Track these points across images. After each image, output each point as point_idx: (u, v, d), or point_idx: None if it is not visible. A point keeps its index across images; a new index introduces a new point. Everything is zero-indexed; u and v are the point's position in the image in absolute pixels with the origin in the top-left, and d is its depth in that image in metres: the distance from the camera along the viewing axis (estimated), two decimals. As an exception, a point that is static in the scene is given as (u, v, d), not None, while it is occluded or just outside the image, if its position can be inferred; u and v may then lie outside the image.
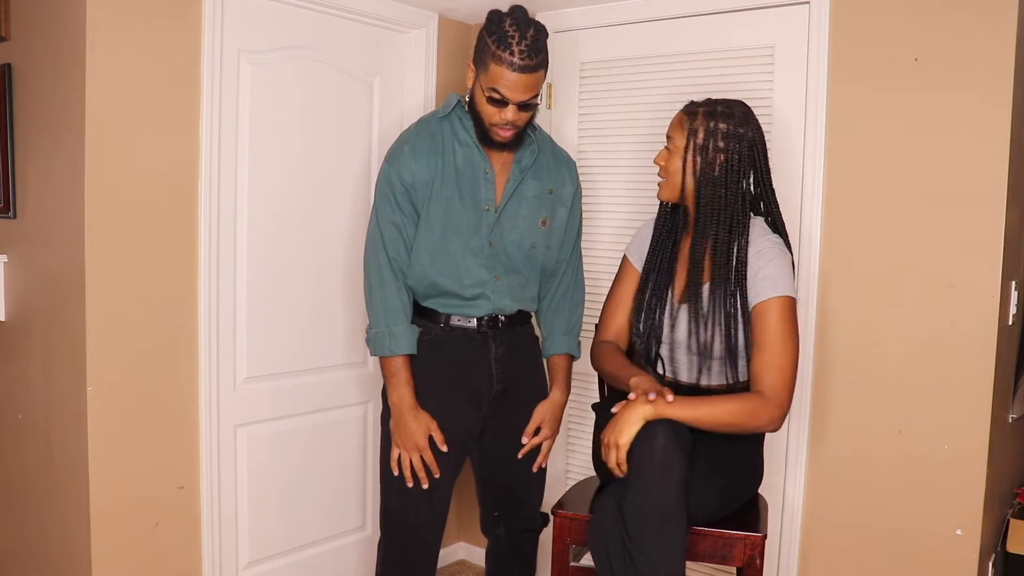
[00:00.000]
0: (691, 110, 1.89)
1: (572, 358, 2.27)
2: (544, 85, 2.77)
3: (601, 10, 2.65)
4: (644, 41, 2.59)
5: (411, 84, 2.80)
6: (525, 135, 2.07)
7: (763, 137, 1.89)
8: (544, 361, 2.27)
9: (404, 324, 2.07)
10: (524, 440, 2.17)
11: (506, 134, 1.99)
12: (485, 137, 2.02)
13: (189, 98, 2.21)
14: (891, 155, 2.15)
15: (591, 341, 2.18)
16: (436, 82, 2.81)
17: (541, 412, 2.19)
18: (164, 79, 2.15)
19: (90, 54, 2.01)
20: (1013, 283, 2.15)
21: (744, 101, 1.93)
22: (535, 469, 2.21)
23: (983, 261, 2.03)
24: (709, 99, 1.91)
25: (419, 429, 2.04)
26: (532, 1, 2.74)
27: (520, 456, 2.18)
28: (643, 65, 2.60)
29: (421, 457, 2.05)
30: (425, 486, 2.06)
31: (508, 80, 1.90)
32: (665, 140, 1.93)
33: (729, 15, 2.42)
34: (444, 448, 2.06)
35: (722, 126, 1.84)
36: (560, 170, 2.18)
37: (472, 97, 2.01)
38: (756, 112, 2.34)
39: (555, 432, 2.22)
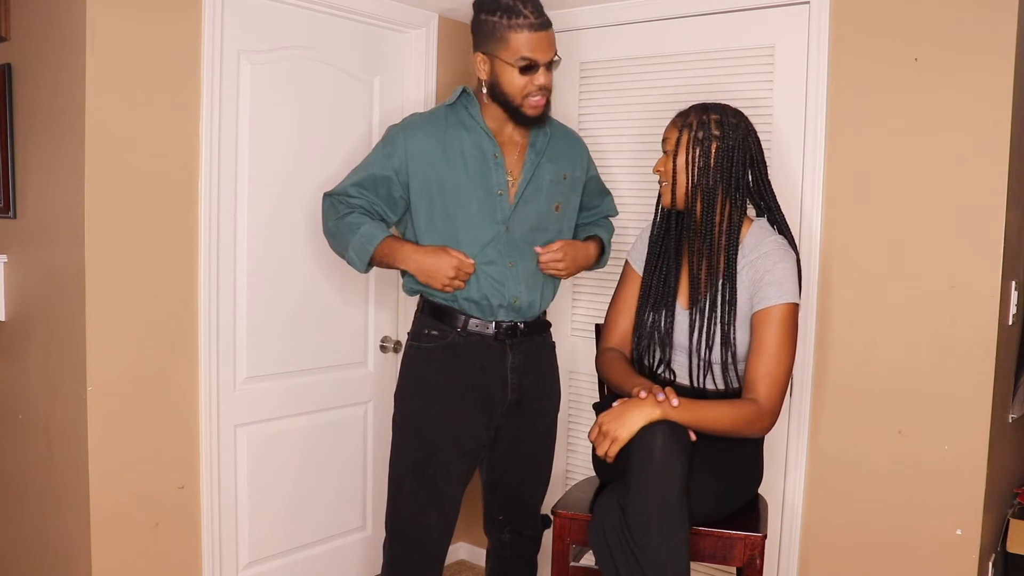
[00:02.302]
0: (682, 112, 1.91)
1: (603, 245, 2.24)
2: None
3: (601, 10, 2.65)
4: (644, 41, 2.59)
5: (411, 84, 2.79)
6: (550, 107, 2.07)
7: (755, 132, 1.90)
8: (556, 370, 2.26)
9: (367, 222, 2.05)
10: (537, 249, 2.07)
11: (539, 101, 2.00)
12: (519, 116, 2.01)
13: (189, 98, 2.21)
14: (891, 155, 2.15)
15: (594, 345, 2.17)
16: (436, 82, 2.81)
17: (562, 242, 2.10)
18: (164, 79, 2.15)
19: (90, 54, 2.01)
20: (1013, 283, 2.15)
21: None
22: (542, 263, 2.08)
23: (983, 261, 2.03)
24: (698, 103, 1.92)
25: (442, 253, 1.99)
26: (532, 1, 2.74)
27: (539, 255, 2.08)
28: (643, 65, 2.60)
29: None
30: (471, 271, 2.01)
31: (533, 41, 1.93)
32: (662, 150, 1.94)
33: (729, 15, 2.42)
34: (471, 267, 2.01)
35: (714, 116, 1.86)
36: (574, 156, 2.18)
37: (494, 84, 1.99)
38: (755, 112, 2.36)
39: (570, 259, 2.09)
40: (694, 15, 2.48)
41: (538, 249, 2.07)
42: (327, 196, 2.17)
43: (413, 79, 2.79)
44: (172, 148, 2.19)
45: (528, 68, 1.94)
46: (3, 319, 2.39)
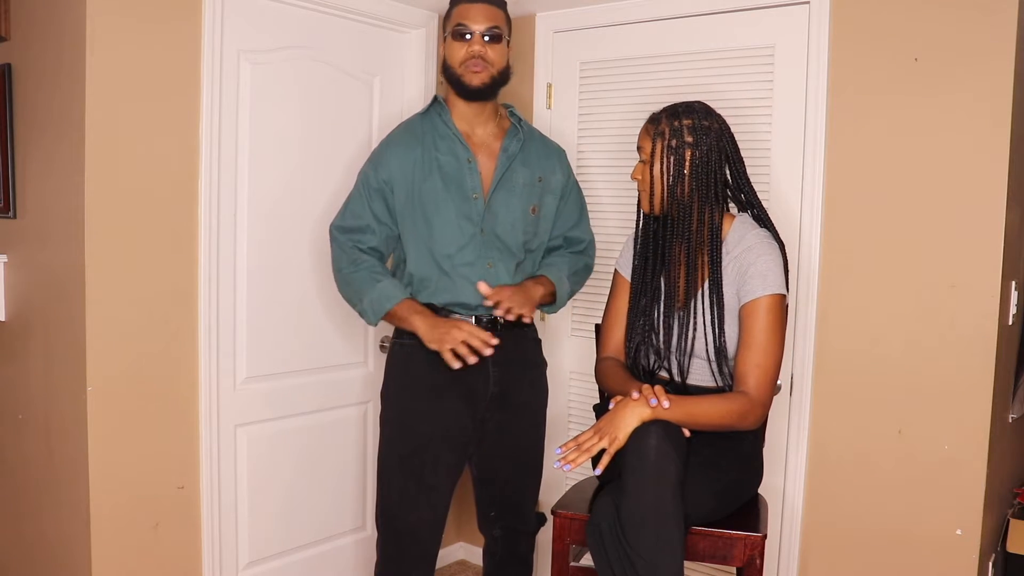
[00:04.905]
0: (654, 117, 1.91)
1: (551, 284, 2.17)
2: (544, 84, 2.80)
3: (601, 10, 2.65)
4: (644, 41, 2.59)
5: (411, 84, 2.80)
6: (498, 91, 2.11)
7: (729, 128, 1.90)
8: (544, 375, 2.27)
9: (386, 279, 2.10)
10: (482, 290, 2.04)
11: (477, 70, 2.06)
12: (462, 88, 2.07)
13: (189, 98, 2.21)
14: (891, 155, 2.15)
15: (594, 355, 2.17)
16: (436, 82, 2.81)
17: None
18: (164, 79, 2.15)
19: (90, 54, 2.01)
20: (1013, 283, 2.15)
21: (702, 100, 1.93)
22: (488, 296, 2.04)
23: (983, 261, 2.03)
24: (668, 105, 1.92)
25: (452, 326, 1.99)
26: (533, 1, 2.74)
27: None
28: (643, 65, 2.60)
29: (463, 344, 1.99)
30: (492, 348, 1.98)
31: (469, 12, 2.05)
32: (639, 158, 1.94)
33: (729, 15, 2.42)
34: (491, 346, 1.98)
35: (686, 122, 1.85)
36: (550, 160, 2.21)
37: (445, 63, 2.10)
38: (755, 112, 2.37)
39: (516, 296, 2.05)
40: (694, 15, 2.48)
41: (485, 291, 2.04)
42: (335, 233, 2.17)
43: (413, 79, 2.79)
44: (172, 148, 2.19)
45: (461, 35, 2.05)
46: (3, 319, 2.40)
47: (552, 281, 2.18)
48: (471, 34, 2.05)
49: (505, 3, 2.14)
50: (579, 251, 2.31)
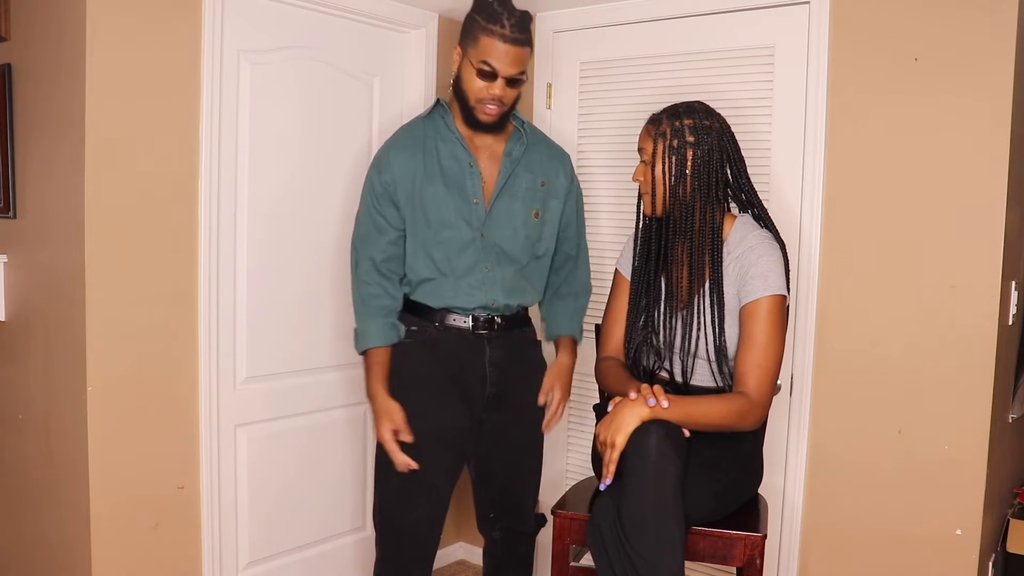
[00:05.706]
0: (655, 118, 1.91)
1: (575, 340, 2.30)
2: (544, 85, 2.80)
3: (601, 10, 2.65)
4: (644, 41, 2.59)
5: (411, 84, 2.80)
6: (508, 120, 2.09)
7: (730, 127, 1.90)
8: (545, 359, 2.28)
9: (378, 320, 2.10)
10: (540, 401, 2.19)
11: (492, 110, 2.02)
12: (471, 118, 2.04)
13: (189, 98, 2.21)
14: (891, 155, 2.15)
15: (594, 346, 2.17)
16: (436, 82, 2.81)
17: (551, 377, 2.21)
18: (164, 79, 2.15)
19: (90, 54, 2.01)
20: (1013, 283, 2.15)
21: (702, 100, 1.93)
22: (545, 430, 2.22)
23: (983, 261, 2.03)
24: (668, 106, 1.92)
25: (390, 414, 2.06)
26: (533, 1, 2.74)
27: (544, 426, 2.21)
28: (643, 65, 2.60)
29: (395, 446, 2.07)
30: (409, 468, 2.06)
31: (498, 52, 1.94)
32: (640, 159, 1.94)
33: (729, 15, 2.42)
34: (408, 439, 2.05)
35: (687, 122, 1.85)
36: (553, 163, 2.20)
37: (458, 79, 2.04)
38: (755, 112, 2.37)
39: (565, 394, 2.23)
40: (694, 15, 2.48)
41: (542, 402, 2.20)
42: (356, 244, 2.16)
43: (413, 79, 2.79)
44: (172, 148, 2.19)
45: (486, 75, 1.97)
46: (3, 319, 2.40)
47: (573, 339, 2.29)
48: (496, 76, 1.97)
49: (532, 40, 2.04)
50: (572, 279, 2.31)
